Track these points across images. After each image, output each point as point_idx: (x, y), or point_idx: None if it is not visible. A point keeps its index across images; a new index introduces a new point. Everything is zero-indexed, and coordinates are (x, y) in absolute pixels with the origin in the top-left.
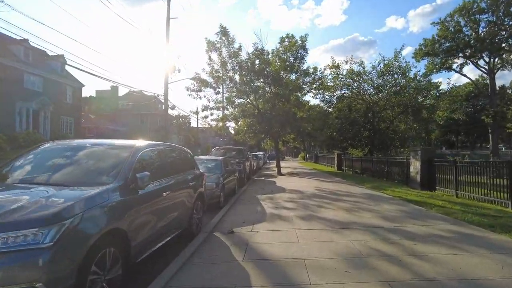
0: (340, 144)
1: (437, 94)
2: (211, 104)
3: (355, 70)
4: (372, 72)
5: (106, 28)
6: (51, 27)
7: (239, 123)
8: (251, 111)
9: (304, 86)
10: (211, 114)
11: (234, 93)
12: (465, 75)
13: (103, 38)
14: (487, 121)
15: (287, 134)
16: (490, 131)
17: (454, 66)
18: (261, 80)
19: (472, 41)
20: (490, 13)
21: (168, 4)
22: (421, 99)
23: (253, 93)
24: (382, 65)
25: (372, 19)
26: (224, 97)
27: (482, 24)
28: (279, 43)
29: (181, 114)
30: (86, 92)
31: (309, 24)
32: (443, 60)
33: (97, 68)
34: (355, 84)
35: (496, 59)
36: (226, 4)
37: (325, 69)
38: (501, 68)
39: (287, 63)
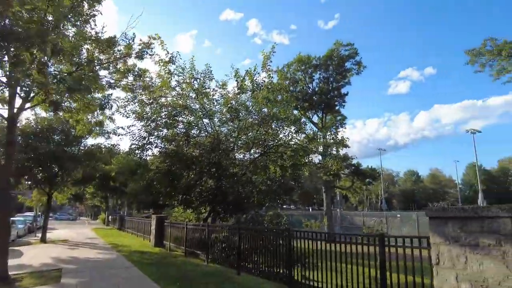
0: (165, 199)
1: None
2: None
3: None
4: (216, 90)
5: None
6: None
7: None
8: None
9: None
10: None
11: None
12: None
13: None
14: (324, 179)
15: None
16: (324, 190)
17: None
18: None
19: (307, 95)
20: (322, 70)
21: None
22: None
23: None
24: (239, 81)
25: None
26: None
27: (316, 81)
28: None
29: None
30: None
31: None
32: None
33: None
34: (194, 104)
35: (328, 117)
36: None
37: (149, 42)
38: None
39: None
